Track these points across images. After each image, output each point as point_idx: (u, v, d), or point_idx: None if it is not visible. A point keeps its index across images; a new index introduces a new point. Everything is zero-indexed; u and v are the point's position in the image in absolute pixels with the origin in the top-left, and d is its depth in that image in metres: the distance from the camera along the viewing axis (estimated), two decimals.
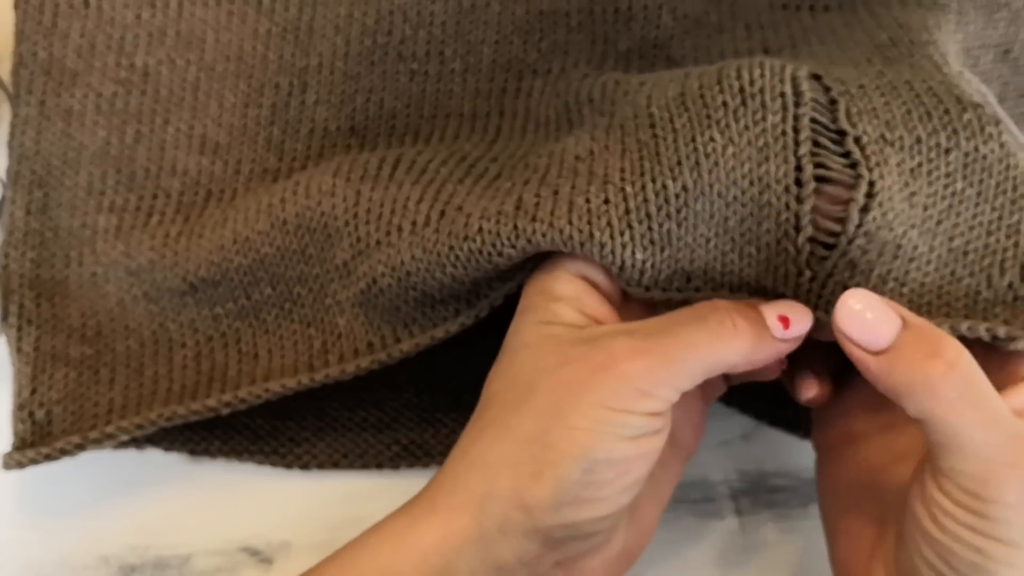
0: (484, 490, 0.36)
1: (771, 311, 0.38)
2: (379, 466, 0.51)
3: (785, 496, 0.50)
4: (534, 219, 0.39)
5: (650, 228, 0.39)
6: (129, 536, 0.49)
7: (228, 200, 0.51)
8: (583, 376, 0.36)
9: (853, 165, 0.38)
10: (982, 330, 0.38)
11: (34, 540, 0.49)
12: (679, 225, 0.39)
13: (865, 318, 0.35)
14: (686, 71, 0.42)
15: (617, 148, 0.41)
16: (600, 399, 0.35)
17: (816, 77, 0.40)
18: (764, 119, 0.39)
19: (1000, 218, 0.39)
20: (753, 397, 0.48)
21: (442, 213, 0.43)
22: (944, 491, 0.35)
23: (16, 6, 0.51)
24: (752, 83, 0.39)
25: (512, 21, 0.53)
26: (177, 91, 0.52)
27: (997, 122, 0.40)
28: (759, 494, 0.50)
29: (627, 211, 0.39)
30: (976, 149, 0.39)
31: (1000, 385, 0.35)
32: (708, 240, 0.40)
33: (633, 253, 0.39)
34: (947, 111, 0.40)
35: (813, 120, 0.39)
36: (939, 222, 0.39)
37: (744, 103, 0.39)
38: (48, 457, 0.46)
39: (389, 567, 0.37)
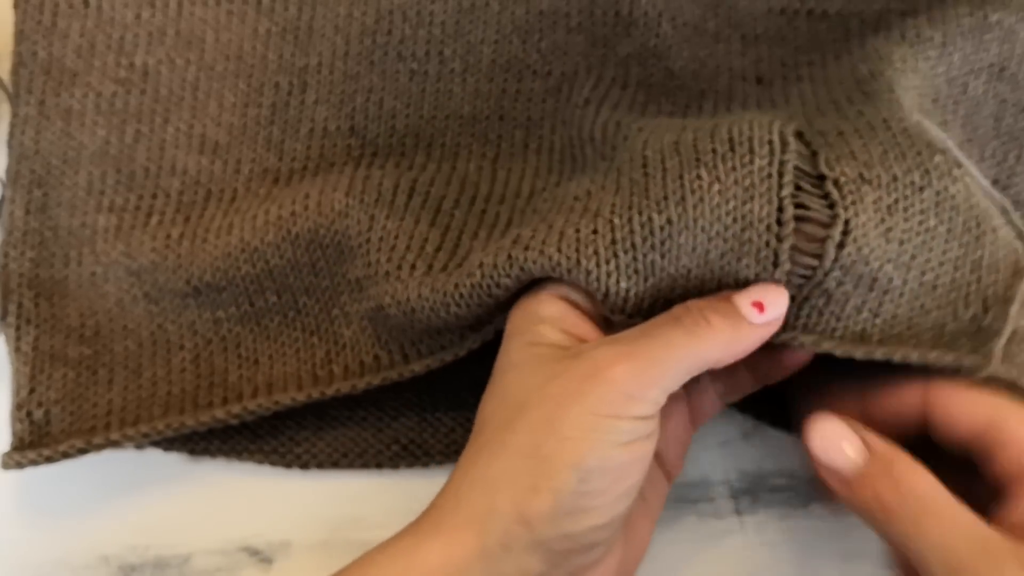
0: (485, 507, 0.37)
1: (745, 299, 0.39)
2: (379, 465, 0.51)
3: (785, 496, 0.50)
4: (526, 248, 0.41)
5: (635, 258, 0.40)
6: (129, 536, 0.49)
7: (228, 200, 0.51)
8: (571, 387, 0.37)
9: (831, 205, 0.39)
10: (948, 359, 0.39)
11: (34, 540, 0.49)
12: (663, 256, 0.40)
13: (839, 446, 0.38)
14: (683, 123, 0.44)
15: (611, 187, 0.43)
16: (590, 407, 0.36)
17: (799, 134, 0.42)
18: (751, 162, 0.40)
19: (965, 254, 0.41)
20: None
21: (459, 266, 0.44)
22: None
23: (16, 5, 0.51)
24: (741, 133, 0.41)
25: (512, 21, 0.53)
26: (177, 91, 0.52)
27: (960, 165, 0.41)
28: (759, 494, 0.50)
29: (613, 241, 0.40)
30: (946, 188, 0.41)
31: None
32: (690, 271, 0.41)
33: (618, 281, 0.40)
34: (919, 152, 0.41)
35: (796, 167, 0.40)
36: (913, 256, 0.40)
37: (732, 149, 0.41)
38: (49, 459, 0.47)
39: None
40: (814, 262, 0.40)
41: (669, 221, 0.40)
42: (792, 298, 0.40)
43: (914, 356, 0.40)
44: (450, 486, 0.39)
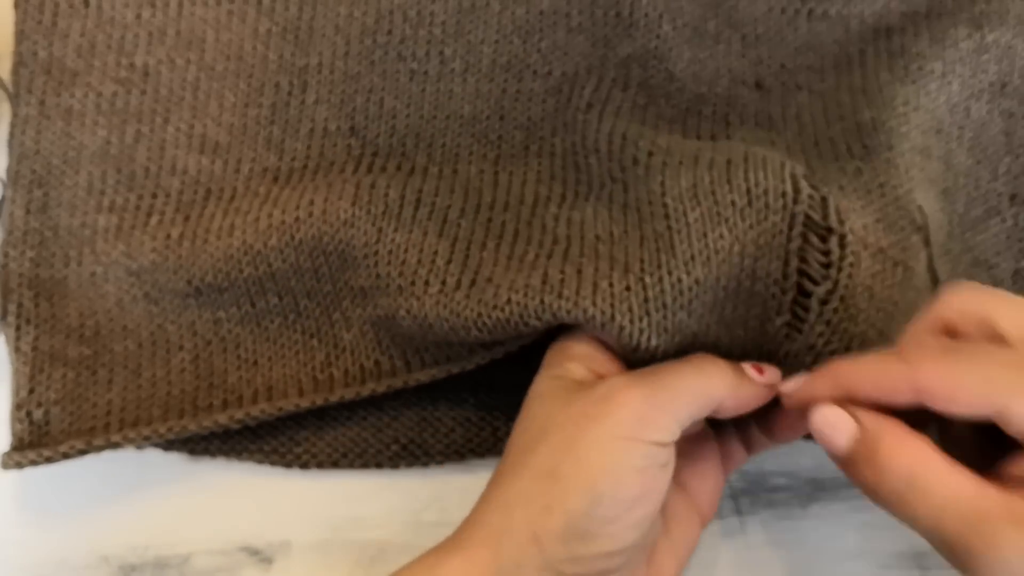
0: (501, 526, 0.39)
1: (747, 364, 0.42)
2: (378, 465, 0.51)
3: (785, 496, 0.50)
4: (560, 296, 0.43)
5: (665, 317, 0.42)
6: (129, 536, 0.49)
7: (228, 199, 0.51)
8: (588, 410, 0.39)
9: (827, 265, 0.42)
10: None
11: (35, 540, 0.49)
12: (689, 315, 0.43)
13: (828, 434, 0.38)
14: (695, 151, 0.46)
15: (635, 235, 0.45)
16: (607, 429, 0.38)
17: (810, 179, 0.43)
18: (766, 218, 0.42)
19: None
20: None
21: (472, 282, 0.46)
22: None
23: (16, 5, 0.51)
24: (757, 184, 0.43)
25: (512, 21, 0.53)
26: (177, 90, 0.52)
27: (928, 244, 0.45)
28: (759, 494, 0.50)
29: (646, 300, 0.42)
30: (913, 268, 0.44)
31: None
32: (709, 326, 0.43)
33: (649, 338, 0.42)
34: (903, 227, 0.44)
35: (807, 217, 0.42)
36: (882, 330, 0.42)
37: (750, 203, 0.43)
38: (49, 460, 0.47)
39: None
40: (803, 314, 0.42)
41: (696, 282, 0.42)
42: (786, 353, 0.43)
43: None
44: (475, 509, 0.41)
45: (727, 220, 0.42)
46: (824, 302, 0.41)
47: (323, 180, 0.50)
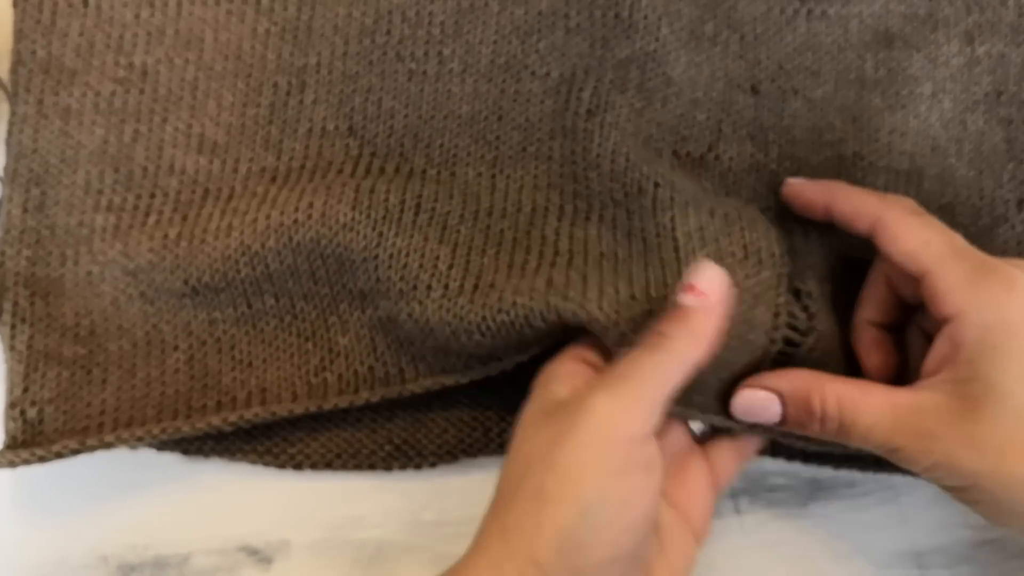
0: (501, 554, 0.39)
1: (680, 293, 0.42)
2: (372, 467, 0.51)
3: (785, 495, 0.50)
4: (565, 298, 0.44)
5: None
6: (128, 535, 0.49)
7: (225, 199, 0.51)
8: (562, 426, 0.39)
9: (811, 317, 0.45)
10: None
11: (34, 540, 0.49)
12: None
13: (752, 413, 0.44)
14: (696, 193, 0.49)
15: (641, 260, 0.47)
16: (581, 439, 0.39)
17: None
18: (759, 272, 0.45)
19: None
20: None
21: (475, 287, 0.47)
22: None
23: (15, 4, 0.51)
24: (752, 242, 0.46)
25: (511, 21, 0.53)
26: (176, 90, 0.52)
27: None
28: (759, 493, 0.50)
29: (650, 312, 0.43)
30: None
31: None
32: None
33: None
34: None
35: (789, 277, 0.46)
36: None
37: (747, 256, 0.46)
38: (42, 459, 0.47)
39: None
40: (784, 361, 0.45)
41: None
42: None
43: None
44: (475, 539, 0.41)
45: (729, 267, 0.43)
46: (812, 349, 0.45)
47: (321, 182, 0.50)
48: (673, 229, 0.47)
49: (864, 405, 0.41)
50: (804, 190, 0.48)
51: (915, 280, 0.43)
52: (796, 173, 0.51)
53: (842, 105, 0.51)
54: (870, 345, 0.47)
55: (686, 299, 0.41)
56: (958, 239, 0.43)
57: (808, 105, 0.51)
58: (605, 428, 0.38)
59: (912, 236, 0.43)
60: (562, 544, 0.38)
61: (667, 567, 0.43)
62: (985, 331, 0.40)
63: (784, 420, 0.43)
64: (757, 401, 0.43)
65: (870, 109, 0.51)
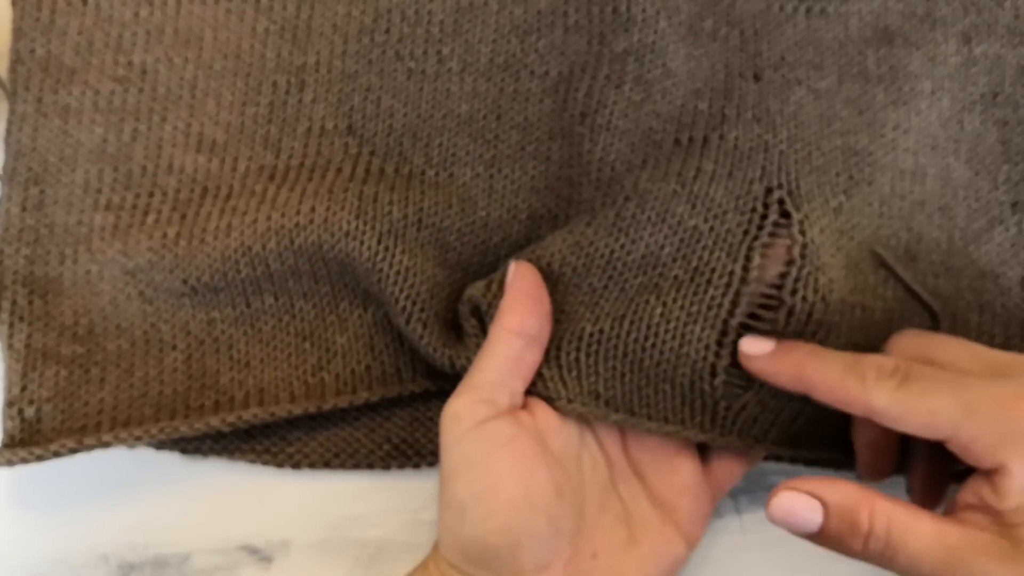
0: (432, 562, 0.44)
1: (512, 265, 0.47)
2: (370, 466, 0.51)
3: None
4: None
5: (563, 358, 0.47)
6: (128, 535, 0.49)
7: (225, 198, 0.51)
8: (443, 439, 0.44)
9: (778, 333, 0.45)
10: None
11: (34, 539, 0.49)
12: (588, 356, 0.47)
13: (794, 516, 0.40)
14: (660, 213, 0.48)
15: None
16: (447, 444, 0.43)
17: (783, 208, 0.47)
18: (706, 292, 0.46)
19: None
20: None
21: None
22: None
23: (14, 2, 0.51)
24: (706, 263, 0.46)
25: (510, 20, 0.53)
26: (175, 89, 0.52)
27: (899, 278, 0.49)
28: (758, 492, 0.50)
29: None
30: (872, 306, 0.49)
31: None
32: (624, 375, 0.47)
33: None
34: (862, 270, 0.49)
35: (760, 293, 0.46)
36: None
37: (692, 279, 0.46)
38: (40, 458, 0.47)
39: None
40: (743, 379, 0.45)
41: (600, 331, 0.47)
42: (729, 407, 0.46)
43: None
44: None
45: (660, 293, 0.46)
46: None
47: (322, 182, 0.50)
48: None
49: (916, 529, 0.39)
50: (771, 367, 0.44)
51: None
52: (806, 158, 0.50)
53: (847, 97, 0.51)
54: (867, 443, 0.46)
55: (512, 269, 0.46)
56: (963, 386, 0.40)
57: (813, 94, 0.51)
58: (454, 424, 0.42)
59: (914, 415, 0.40)
60: (458, 544, 0.41)
61: (638, 560, 0.44)
62: None
63: (822, 531, 0.40)
64: (799, 505, 0.40)
65: (875, 104, 0.51)
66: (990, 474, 0.38)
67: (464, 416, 0.42)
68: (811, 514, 0.40)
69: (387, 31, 0.53)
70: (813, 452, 0.47)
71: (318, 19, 0.53)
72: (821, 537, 0.40)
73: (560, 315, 0.47)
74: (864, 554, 0.40)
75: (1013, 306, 0.50)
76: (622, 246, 0.47)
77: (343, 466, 0.51)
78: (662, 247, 0.46)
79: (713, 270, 0.46)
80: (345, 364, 0.50)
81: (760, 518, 0.50)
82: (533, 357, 0.45)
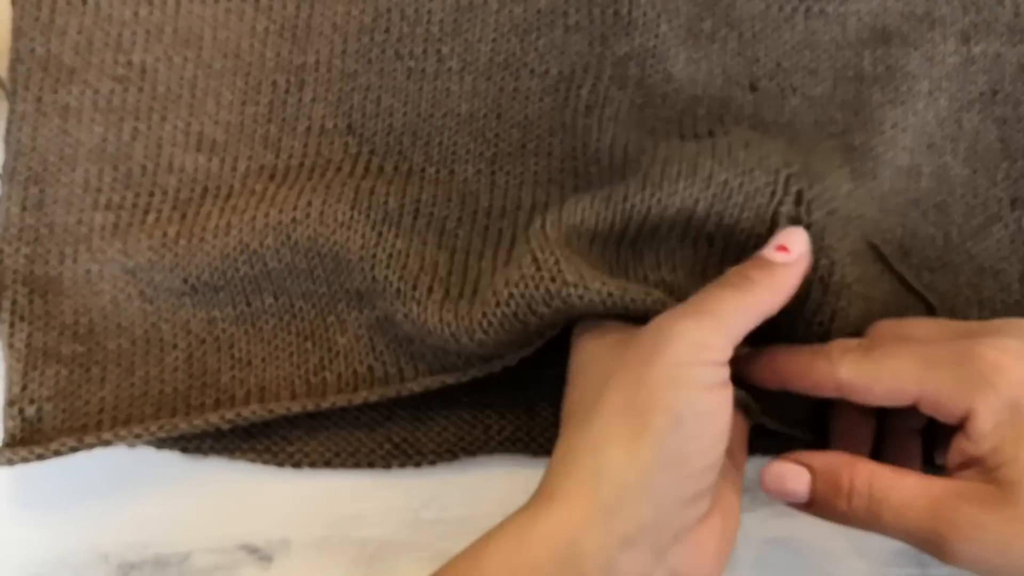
0: (594, 466, 0.39)
1: (769, 248, 0.44)
2: (371, 465, 0.51)
3: None
4: (565, 283, 0.43)
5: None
6: (128, 534, 0.49)
7: (224, 197, 0.51)
8: (647, 349, 0.40)
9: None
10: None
11: (34, 538, 0.49)
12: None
13: (784, 486, 0.43)
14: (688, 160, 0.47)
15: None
16: (669, 359, 0.40)
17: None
18: (736, 255, 0.46)
19: None
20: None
21: (474, 291, 0.47)
22: None
23: (13, 2, 0.51)
24: (736, 222, 0.46)
25: (510, 19, 0.53)
26: (175, 88, 0.52)
27: (893, 270, 0.50)
28: (758, 492, 0.50)
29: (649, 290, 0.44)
30: (874, 297, 0.48)
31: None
32: None
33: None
34: (866, 260, 0.49)
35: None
36: None
37: (724, 237, 0.47)
38: (41, 457, 0.47)
39: (516, 552, 0.39)
40: None
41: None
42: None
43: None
44: (554, 462, 0.41)
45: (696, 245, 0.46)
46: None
47: (320, 180, 0.50)
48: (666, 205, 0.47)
49: (898, 484, 0.40)
50: (751, 370, 0.46)
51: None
52: (806, 156, 0.49)
53: (842, 101, 0.51)
54: (842, 433, 0.47)
55: (775, 256, 0.43)
56: (923, 346, 0.42)
57: (808, 102, 0.52)
58: (693, 353, 0.40)
59: (878, 380, 0.42)
60: (660, 453, 0.39)
61: (729, 484, 0.44)
62: (998, 418, 0.39)
63: (813, 499, 0.42)
64: (787, 471, 0.43)
65: (871, 103, 0.51)
66: (963, 425, 0.40)
67: (705, 349, 0.41)
68: (799, 479, 0.42)
69: (387, 30, 0.53)
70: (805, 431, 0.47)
71: (318, 18, 0.53)
72: (812, 505, 0.42)
73: (609, 271, 0.46)
74: (851, 514, 0.41)
75: (1013, 302, 0.51)
76: (658, 201, 0.45)
77: (344, 465, 0.51)
78: (696, 201, 0.45)
79: (743, 230, 0.46)
80: (347, 364, 0.50)
81: (760, 517, 0.50)
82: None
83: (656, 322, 0.42)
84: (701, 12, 0.53)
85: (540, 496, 0.40)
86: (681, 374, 0.39)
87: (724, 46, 0.52)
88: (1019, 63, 0.52)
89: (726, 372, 0.41)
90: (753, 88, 0.52)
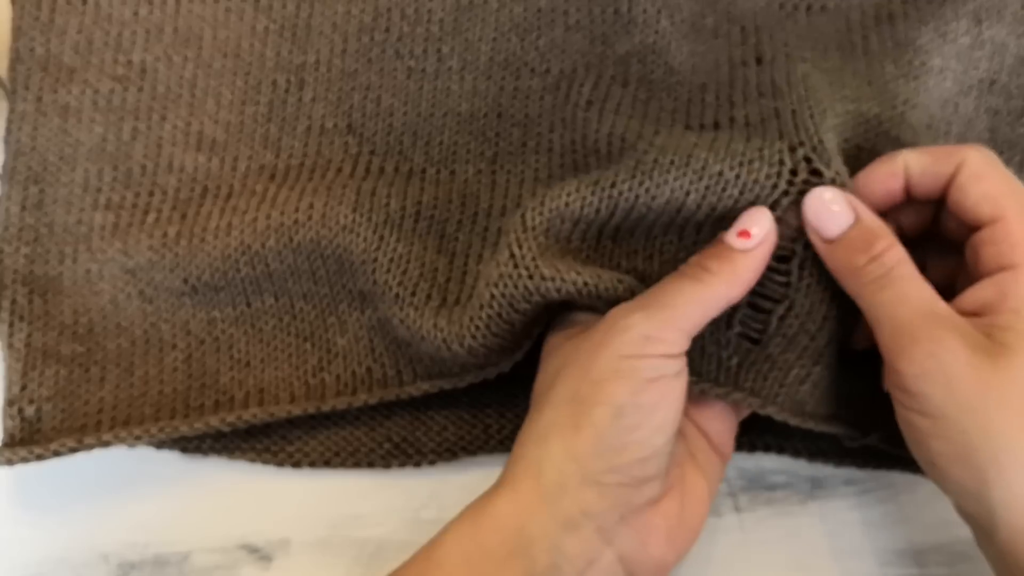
0: (538, 455, 0.41)
1: (730, 234, 0.43)
2: (370, 464, 0.51)
3: (784, 493, 0.50)
4: (543, 278, 0.43)
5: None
6: (128, 534, 0.49)
7: (225, 197, 0.51)
8: (595, 340, 0.41)
9: (786, 285, 0.43)
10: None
11: (34, 538, 0.49)
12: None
13: (830, 209, 0.42)
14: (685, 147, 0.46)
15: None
16: (614, 351, 0.40)
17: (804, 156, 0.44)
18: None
19: None
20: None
21: (470, 296, 0.47)
22: (886, 374, 0.41)
23: (13, 1, 0.51)
24: (730, 210, 0.44)
25: (510, 19, 0.53)
26: (174, 88, 0.52)
27: None
28: (758, 491, 0.50)
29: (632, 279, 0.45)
30: None
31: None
32: None
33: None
34: None
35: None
36: (839, 340, 0.44)
37: (714, 225, 0.45)
38: (40, 457, 0.47)
39: (471, 537, 0.41)
40: (759, 327, 0.44)
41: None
42: (739, 364, 0.44)
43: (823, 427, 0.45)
44: (512, 451, 0.43)
45: (683, 233, 0.45)
46: (782, 318, 0.43)
47: (321, 181, 0.50)
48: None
49: (917, 281, 0.41)
50: (870, 179, 0.45)
51: (967, 225, 0.43)
52: (822, 115, 0.47)
53: (855, 70, 0.50)
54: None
55: (735, 242, 0.42)
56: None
57: (818, 70, 0.50)
58: (640, 346, 0.40)
59: (997, 182, 0.42)
60: (599, 443, 0.40)
61: (698, 472, 0.44)
62: None
63: (839, 240, 0.42)
64: (837, 204, 0.42)
65: (884, 75, 0.50)
66: (1003, 274, 0.40)
67: (653, 343, 0.41)
68: (843, 217, 0.42)
69: (387, 30, 0.53)
70: (817, 423, 0.46)
71: (318, 18, 0.53)
72: (837, 245, 0.42)
73: (586, 258, 0.46)
74: (858, 273, 0.41)
75: None
76: (647, 190, 0.45)
77: (343, 465, 0.51)
78: (687, 192, 0.44)
79: (737, 217, 0.44)
80: (346, 366, 0.50)
81: (759, 516, 0.50)
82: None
83: (611, 313, 0.42)
84: (703, 9, 0.53)
85: (497, 484, 0.42)
86: (624, 366, 0.40)
87: (727, 40, 0.52)
88: (1019, 55, 0.52)
89: (677, 364, 0.41)
90: (759, 61, 0.51)
